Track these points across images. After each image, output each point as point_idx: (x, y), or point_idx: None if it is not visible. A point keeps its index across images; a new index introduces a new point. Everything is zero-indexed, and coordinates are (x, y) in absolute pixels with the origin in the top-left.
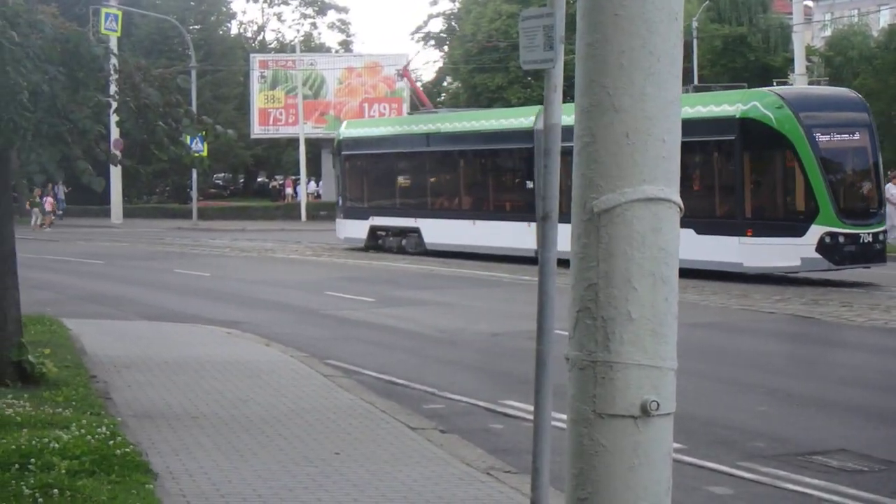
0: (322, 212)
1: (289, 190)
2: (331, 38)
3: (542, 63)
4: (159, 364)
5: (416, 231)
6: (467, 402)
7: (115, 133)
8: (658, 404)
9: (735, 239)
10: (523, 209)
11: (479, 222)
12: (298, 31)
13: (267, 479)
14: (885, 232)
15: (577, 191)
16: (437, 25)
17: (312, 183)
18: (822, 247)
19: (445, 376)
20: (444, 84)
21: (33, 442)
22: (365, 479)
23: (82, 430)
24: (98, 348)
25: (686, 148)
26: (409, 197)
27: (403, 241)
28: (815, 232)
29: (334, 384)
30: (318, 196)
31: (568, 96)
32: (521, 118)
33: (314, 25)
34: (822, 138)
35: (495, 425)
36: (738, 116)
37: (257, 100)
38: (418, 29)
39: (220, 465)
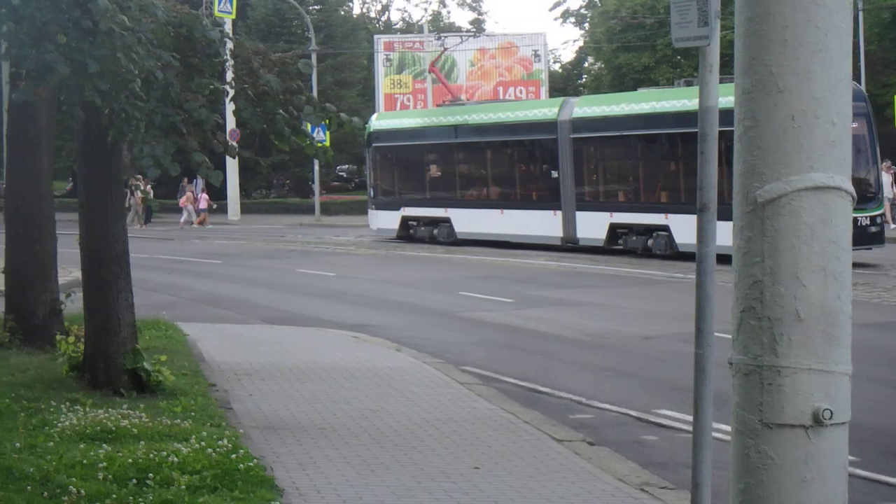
0: None
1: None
2: (461, 17)
3: (696, 41)
4: (282, 371)
5: (447, 221)
6: (618, 412)
7: (231, 123)
8: (831, 413)
9: None
10: (549, 198)
11: (506, 211)
12: (426, 9)
13: (401, 496)
14: (882, 215)
15: (738, 179)
16: (576, 1)
17: None
18: None
19: (593, 383)
20: (585, 65)
21: (151, 455)
22: (507, 495)
23: (202, 443)
24: (217, 354)
25: (694, 138)
26: (440, 188)
27: (435, 231)
28: None
29: (472, 392)
30: None
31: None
32: (543, 109)
33: (443, 3)
34: None
35: (649, 437)
36: None
37: (383, 85)
38: (556, 5)
39: (350, 481)
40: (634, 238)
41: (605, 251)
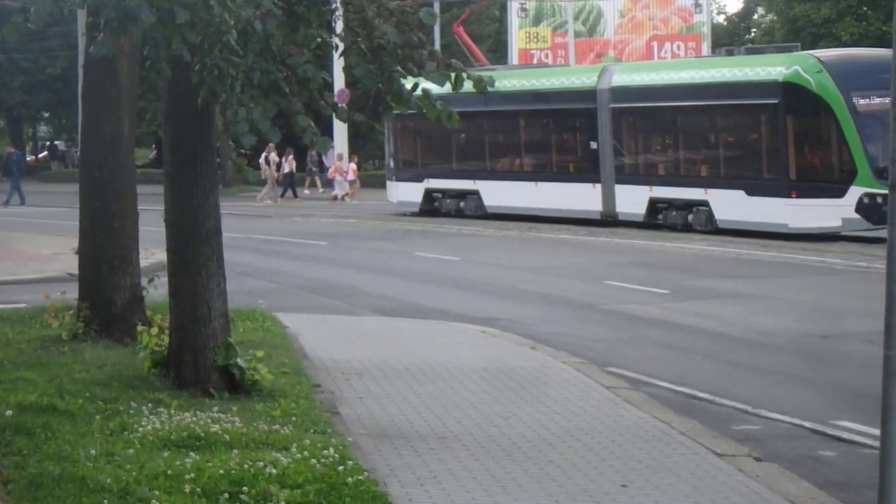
0: None
1: None
2: None
3: None
4: (398, 370)
5: (476, 193)
6: (789, 423)
7: (339, 82)
8: None
9: (781, 200)
10: (587, 170)
11: (541, 184)
12: None
13: None
14: None
15: None
16: None
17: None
18: (860, 207)
19: (761, 389)
20: (754, 17)
21: (245, 466)
22: None
23: (305, 453)
24: (322, 350)
25: (734, 110)
26: (467, 158)
27: (462, 204)
28: (854, 193)
29: (619, 398)
30: None
31: None
32: (582, 77)
33: None
34: (860, 102)
35: (826, 452)
36: (780, 80)
37: (517, 39)
38: None
39: (477, 499)
40: (674, 213)
41: (647, 225)
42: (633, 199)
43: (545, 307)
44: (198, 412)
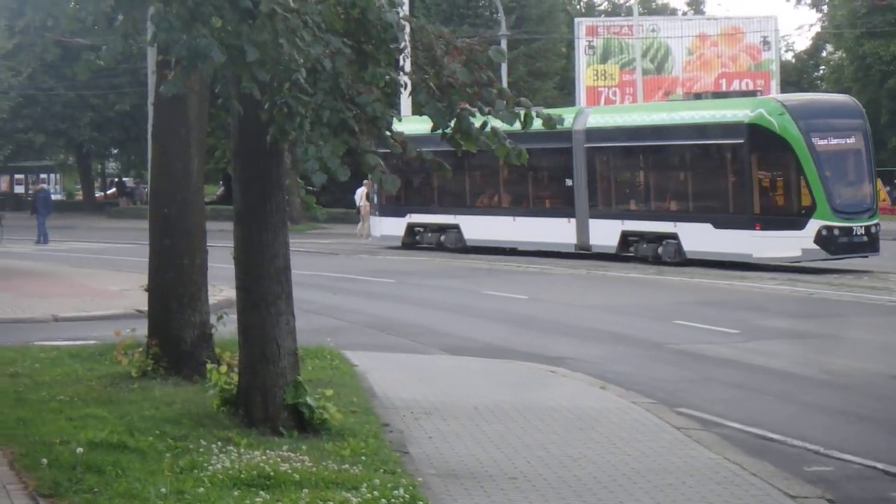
0: None
1: None
2: None
3: None
4: (466, 410)
5: (456, 227)
6: (862, 464)
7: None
8: None
9: (746, 233)
10: (563, 206)
11: (518, 218)
12: None
13: None
14: (877, 225)
15: None
16: None
17: None
18: (819, 239)
19: (833, 430)
20: (823, 54)
21: None
22: None
23: (375, 493)
24: (390, 389)
25: (705, 150)
26: (448, 194)
27: (442, 238)
28: (814, 226)
29: (689, 439)
30: None
31: None
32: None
33: None
34: (819, 142)
35: None
36: (746, 122)
37: (584, 76)
38: None
39: None
40: (645, 245)
41: (618, 258)
42: (606, 233)
43: (614, 346)
44: (267, 451)
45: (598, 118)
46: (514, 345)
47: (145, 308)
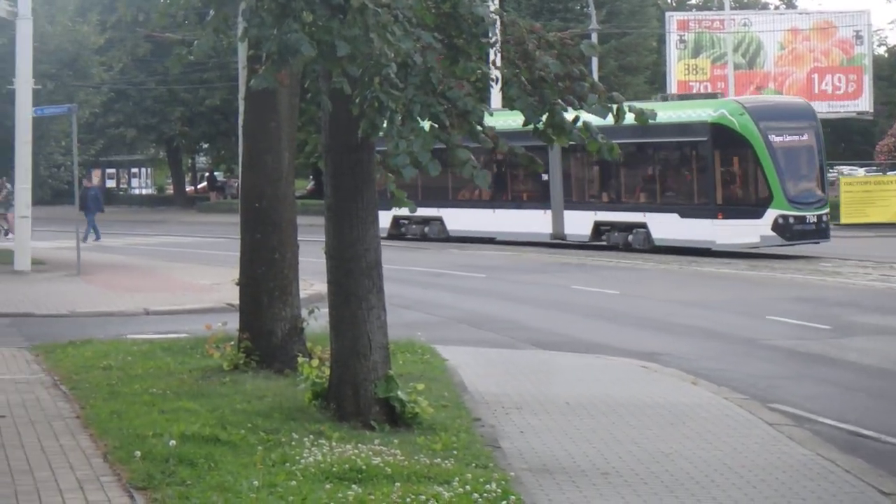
0: None
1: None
2: None
3: None
4: (558, 405)
5: (439, 220)
6: None
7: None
8: None
9: (709, 221)
10: (539, 199)
11: (498, 210)
12: None
13: None
14: (827, 214)
15: None
16: None
17: None
18: (776, 226)
19: None
20: None
21: (407, 500)
22: None
23: (467, 487)
24: (481, 384)
25: (671, 147)
26: (431, 188)
27: (426, 229)
28: (771, 215)
29: (782, 435)
30: None
31: None
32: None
33: None
34: (775, 139)
35: None
36: (709, 121)
37: (675, 70)
38: None
39: None
40: (616, 234)
41: (592, 246)
42: (579, 223)
43: (706, 342)
44: (359, 444)
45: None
46: (606, 340)
47: (236, 302)
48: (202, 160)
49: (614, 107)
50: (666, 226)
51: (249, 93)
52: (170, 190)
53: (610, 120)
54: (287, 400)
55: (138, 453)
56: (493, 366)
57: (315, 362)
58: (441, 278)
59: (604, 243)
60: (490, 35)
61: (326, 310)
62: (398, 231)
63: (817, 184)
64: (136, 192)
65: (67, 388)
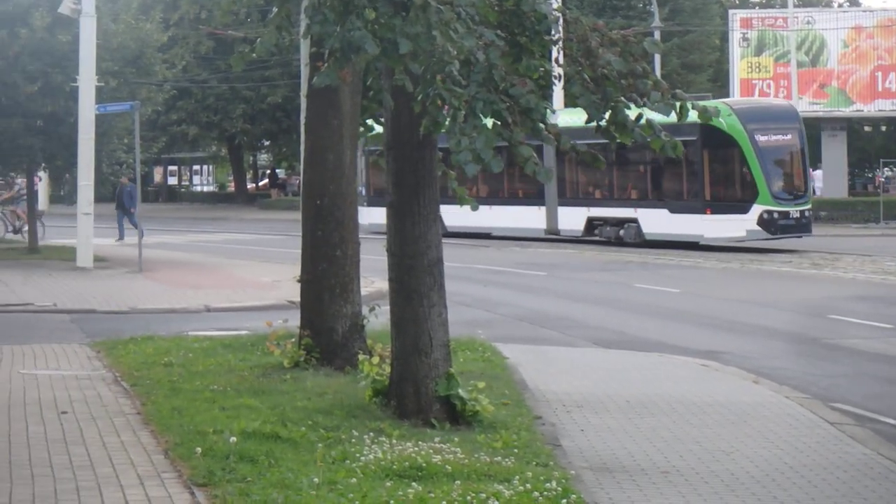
0: (822, 212)
1: (818, 184)
2: None
3: None
4: (618, 403)
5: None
6: None
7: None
8: None
9: (698, 216)
10: (535, 195)
11: (494, 207)
12: None
13: None
14: (810, 209)
15: None
16: None
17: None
18: (761, 221)
19: None
20: None
21: (468, 498)
22: None
23: (528, 485)
24: (541, 382)
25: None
26: None
27: None
28: (756, 210)
29: (843, 434)
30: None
31: None
32: None
33: None
34: (761, 139)
35: None
36: (699, 122)
37: (738, 68)
38: None
39: None
40: (608, 229)
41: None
42: (573, 219)
43: (767, 341)
44: (419, 442)
45: (566, 118)
46: (667, 338)
47: (297, 299)
48: (263, 157)
49: (677, 104)
50: (656, 221)
51: (312, 90)
52: (231, 187)
53: None
54: (347, 397)
55: (199, 450)
56: (554, 364)
57: (376, 360)
58: (502, 276)
59: (597, 237)
60: (553, 32)
61: (387, 307)
62: None
63: (800, 181)
64: (198, 189)
65: (128, 384)
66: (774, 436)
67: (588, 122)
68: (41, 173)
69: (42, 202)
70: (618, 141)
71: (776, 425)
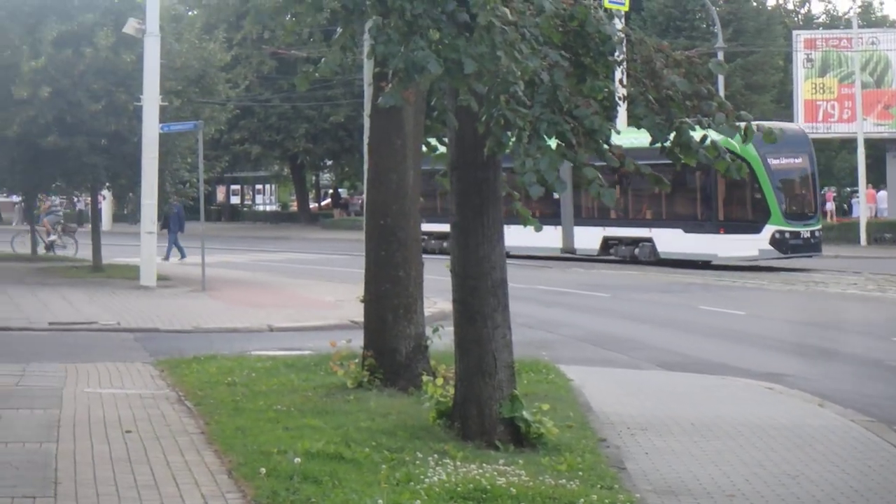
0: (887, 234)
1: (829, 205)
2: None
3: None
4: (683, 426)
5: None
6: None
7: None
8: None
9: (711, 236)
10: (551, 215)
11: (511, 226)
12: (854, 0)
13: None
14: (820, 230)
15: None
16: None
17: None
18: (773, 241)
19: None
20: None
21: None
22: None
23: None
24: (606, 404)
25: (675, 166)
26: (444, 206)
27: (445, 244)
28: (769, 230)
29: None
30: (877, 213)
31: None
32: None
33: None
34: (773, 161)
35: None
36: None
37: (802, 89)
38: None
39: None
40: (623, 248)
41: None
42: (589, 238)
43: (832, 363)
44: (483, 464)
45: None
46: (731, 361)
47: (360, 319)
48: (326, 177)
49: (742, 126)
50: (670, 240)
51: (375, 110)
52: (294, 206)
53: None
54: (411, 418)
55: (263, 470)
56: (618, 386)
57: (439, 381)
58: (565, 297)
59: (612, 256)
60: (617, 53)
61: (451, 328)
62: None
63: (811, 202)
64: (261, 208)
65: (192, 403)
66: (840, 459)
67: (652, 143)
68: (105, 192)
69: (105, 221)
70: (682, 161)
71: (841, 448)
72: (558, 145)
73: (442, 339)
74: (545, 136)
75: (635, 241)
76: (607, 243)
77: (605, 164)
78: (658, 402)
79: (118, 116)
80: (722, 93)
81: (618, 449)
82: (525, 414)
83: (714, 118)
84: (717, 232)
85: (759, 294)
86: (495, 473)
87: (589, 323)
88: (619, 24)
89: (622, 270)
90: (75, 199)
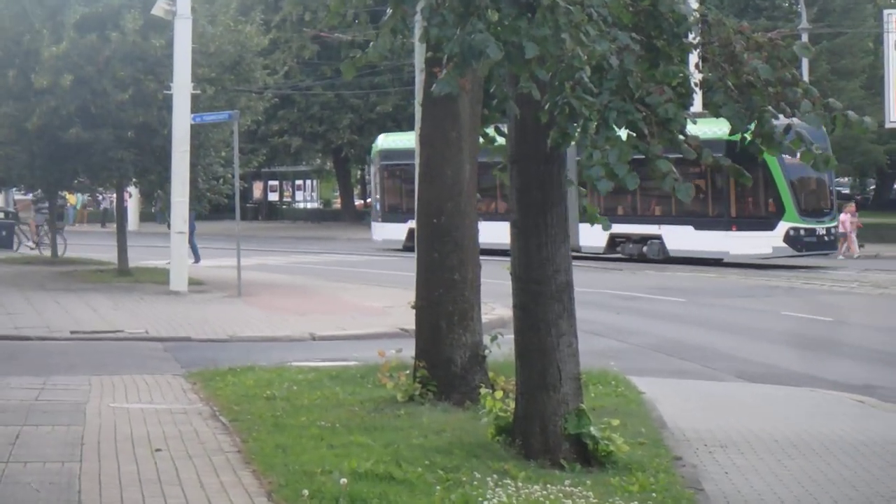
0: None
1: (847, 220)
2: None
3: None
4: (765, 442)
5: None
6: None
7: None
8: None
9: (723, 233)
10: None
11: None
12: None
13: None
14: (836, 227)
15: None
16: None
17: None
18: (787, 238)
19: None
20: None
21: None
22: None
23: None
24: (680, 419)
25: (688, 162)
26: None
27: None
28: (783, 227)
29: None
30: None
31: None
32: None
33: None
34: (788, 157)
35: None
36: (725, 138)
37: (894, 74)
38: None
39: None
40: (631, 246)
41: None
42: (595, 235)
43: None
44: (548, 485)
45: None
46: (818, 372)
47: (411, 327)
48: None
49: (830, 115)
50: (680, 237)
51: (428, 99)
52: (337, 204)
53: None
54: (468, 435)
55: (306, 492)
56: (694, 399)
57: (499, 394)
58: (636, 302)
59: (618, 254)
60: (692, 35)
61: (511, 336)
62: (412, 243)
63: (825, 199)
64: (301, 205)
65: (227, 419)
66: None
67: (732, 133)
68: (131, 189)
69: (132, 221)
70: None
71: None
72: (629, 136)
73: (501, 349)
74: (614, 127)
75: (644, 239)
76: (614, 241)
77: (679, 156)
78: (738, 416)
79: (146, 107)
80: (806, 78)
81: (694, 468)
82: (592, 430)
83: (799, 106)
84: (730, 229)
85: (846, 298)
86: (561, 495)
87: (662, 330)
88: (694, 3)
89: (697, 273)
90: (99, 197)
